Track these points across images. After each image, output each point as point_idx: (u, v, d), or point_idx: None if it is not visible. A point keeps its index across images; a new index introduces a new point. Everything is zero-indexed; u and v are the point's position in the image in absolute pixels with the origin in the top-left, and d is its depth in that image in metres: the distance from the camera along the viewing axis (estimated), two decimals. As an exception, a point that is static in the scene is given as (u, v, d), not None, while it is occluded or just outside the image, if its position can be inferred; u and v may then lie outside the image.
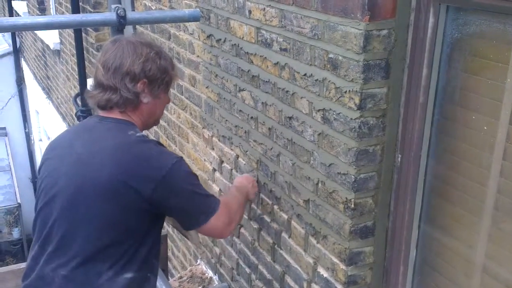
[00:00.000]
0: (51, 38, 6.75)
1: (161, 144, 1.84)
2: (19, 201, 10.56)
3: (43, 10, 7.45)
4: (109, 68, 1.73)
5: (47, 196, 1.73)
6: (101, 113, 1.80)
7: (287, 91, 1.91)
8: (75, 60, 5.10)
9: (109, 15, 2.27)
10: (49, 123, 8.19)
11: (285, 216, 2.06)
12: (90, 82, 5.04)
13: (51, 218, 1.71)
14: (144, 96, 1.78)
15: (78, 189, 1.67)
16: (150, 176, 1.65)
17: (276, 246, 2.16)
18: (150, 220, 1.73)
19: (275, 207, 2.13)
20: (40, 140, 9.98)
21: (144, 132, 1.97)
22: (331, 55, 1.63)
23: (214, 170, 2.70)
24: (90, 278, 1.66)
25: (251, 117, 2.21)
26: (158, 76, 1.79)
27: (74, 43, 5.05)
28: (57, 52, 6.69)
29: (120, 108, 1.77)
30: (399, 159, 1.62)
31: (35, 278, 1.71)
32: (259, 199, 2.25)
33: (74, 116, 5.64)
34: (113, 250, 1.68)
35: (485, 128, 1.41)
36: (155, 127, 3.64)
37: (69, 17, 2.57)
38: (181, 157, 1.78)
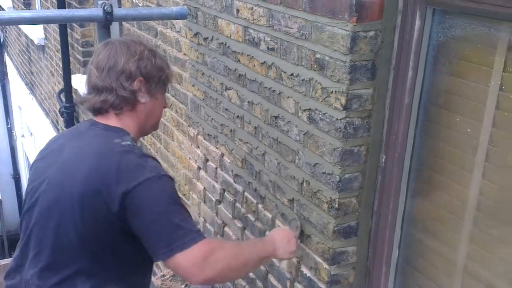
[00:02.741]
0: (35, 33, 6.67)
1: (150, 157, 1.67)
2: (0, 197, 10.43)
3: (28, 5, 7.36)
4: (103, 68, 1.66)
5: (31, 200, 1.68)
6: (96, 118, 1.72)
7: (273, 91, 1.91)
8: (60, 56, 5.05)
9: (96, 11, 2.26)
10: (32, 119, 8.10)
11: (269, 215, 2.06)
12: (74, 78, 5.01)
13: (30, 224, 1.66)
14: (141, 95, 1.70)
15: (54, 196, 1.61)
16: (119, 188, 1.51)
17: (260, 245, 2.16)
18: (127, 238, 1.57)
19: (260, 206, 2.13)
20: (23, 136, 9.86)
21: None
22: (318, 56, 1.64)
23: (199, 168, 2.69)
24: None
25: (237, 116, 2.21)
26: (154, 74, 1.72)
27: (59, 39, 5.00)
28: (42, 48, 6.61)
29: (116, 110, 1.68)
30: (383, 159, 1.64)
31: (20, 281, 1.67)
32: (244, 198, 2.25)
33: (57, 112, 5.59)
34: (87, 263, 1.59)
35: (469, 130, 1.43)
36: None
37: (55, 12, 2.55)
38: (166, 175, 1.59)
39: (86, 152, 1.62)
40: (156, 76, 1.73)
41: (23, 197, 1.75)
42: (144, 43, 1.77)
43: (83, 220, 1.56)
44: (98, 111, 1.70)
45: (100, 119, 1.71)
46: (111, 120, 1.70)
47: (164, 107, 1.86)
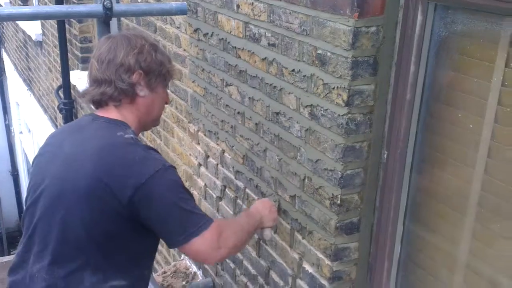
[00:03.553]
0: (33, 29, 6.66)
1: (153, 149, 1.73)
2: (-2, 194, 10.44)
3: (25, 1, 7.33)
4: (103, 61, 1.70)
5: (34, 195, 1.70)
6: (97, 111, 1.75)
7: (274, 87, 1.91)
8: (58, 52, 5.04)
9: (95, 6, 2.25)
10: (30, 116, 8.08)
11: (271, 212, 2.06)
12: (73, 74, 5.00)
13: (34, 219, 1.68)
14: (140, 88, 1.73)
15: (59, 190, 1.63)
16: (129, 181, 1.56)
17: (261, 242, 2.17)
18: (134, 228, 1.62)
19: (261, 202, 2.13)
20: (21, 132, 9.84)
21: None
22: (319, 51, 1.64)
23: (200, 165, 2.69)
24: (71, 284, 1.61)
25: (238, 112, 2.21)
26: (154, 68, 1.75)
27: (57, 35, 4.99)
28: (39, 43, 6.60)
29: (115, 102, 1.71)
30: (385, 156, 1.64)
31: (25, 276, 1.68)
32: (245, 195, 2.25)
33: (56, 108, 5.57)
34: (94, 256, 1.62)
35: (471, 126, 1.43)
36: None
37: (55, 8, 2.53)
38: (171, 166, 1.66)
39: (89, 145, 1.64)
40: (156, 70, 1.76)
41: (24, 193, 1.76)
42: (146, 37, 1.80)
43: (91, 213, 1.58)
44: (98, 103, 1.74)
45: (101, 113, 1.74)
46: (112, 113, 1.73)
47: (166, 103, 1.89)
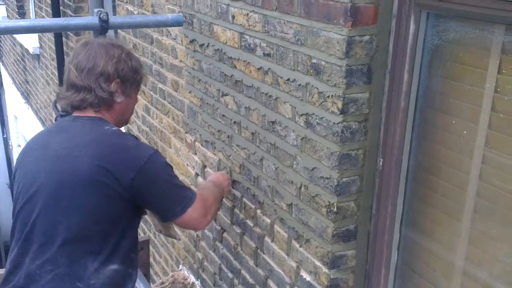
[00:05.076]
0: (30, 42, 6.68)
1: (137, 139, 1.90)
2: (-4, 207, 10.38)
3: (22, 14, 7.37)
4: (83, 69, 1.77)
5: (25, 197, 1.74)
6: (75, 113, 1.83)
7: (270, 96, 1.92)
8: (55, 65, 5.06)
9: (92, 19, 2.26)
10: (28, 129, 8.08)
11: (268, 220, 2.06)
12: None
13: (32, 216, 1.71)
14: (117, 95, 1.84)
15: (59, 184, 1.69)
16: (128, 165, 1.70)
17: (259, 251, 2.17)
18: (132, 209, 1.77)
19: (258, 211, 2.13)
20: (19, 145, 9.83)
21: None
22: (314, 60, 1.65)
23: (197, 175, 2.70)
24: (77, 270, 1.68)
25: (234, 122, 2.22)
26: (130, 76, 1.86)
27: (54, 48, 5.01)
28: (37, 57, 6.62)
29: (94, 108, 1.81)
30: (380, 163, 1.65)
31: (20, 279, 1.70)
32: (242, 204, 2.25)
33: (54, 121, 5.58)
34: (97, 242, 1.70)
35: (465, 132, 1.44)
36: (136, 132, 3.62)
37: (51, 21, 2.55)
38: (157, 150, 1.83)
39: (81, 139, 1.73)
40: (131, 78, 1.88)
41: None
42: (121, 46, 1.90)
43: (95, 198, 1.67)
44: (77, 107, 1.83)
45: (80, 114, 1.82)
46: (91, 113, 1.82)
47: (136, 103, 2.03)
